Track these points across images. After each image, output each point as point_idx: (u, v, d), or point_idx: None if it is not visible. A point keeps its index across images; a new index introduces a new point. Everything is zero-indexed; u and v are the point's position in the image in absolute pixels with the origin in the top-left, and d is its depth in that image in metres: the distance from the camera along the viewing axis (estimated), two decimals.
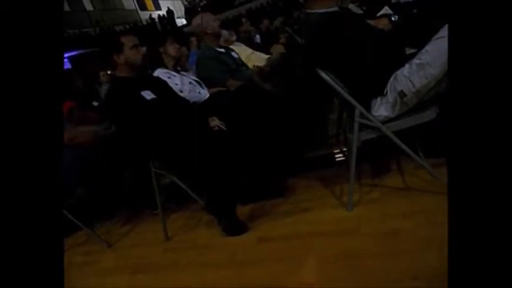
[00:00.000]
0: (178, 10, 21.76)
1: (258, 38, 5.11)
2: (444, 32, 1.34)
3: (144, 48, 1.94)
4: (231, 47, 2.95)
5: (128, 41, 1.87)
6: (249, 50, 3.23)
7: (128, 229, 2.28)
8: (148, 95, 1.90)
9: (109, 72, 2.99)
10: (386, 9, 2.87)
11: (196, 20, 2.55)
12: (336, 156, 2.26)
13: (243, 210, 1.90)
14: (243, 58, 2.88)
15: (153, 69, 2.26)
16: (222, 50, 2.57)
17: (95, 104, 3.21)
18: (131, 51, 1.87)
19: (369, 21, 1.61)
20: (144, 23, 18.70)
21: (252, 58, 3.10)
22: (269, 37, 4.87)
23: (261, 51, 3.41)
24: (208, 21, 2.50)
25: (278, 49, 3.62)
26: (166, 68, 2.33)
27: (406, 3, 2.68)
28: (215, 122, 1.88)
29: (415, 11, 2.42)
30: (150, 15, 20.21)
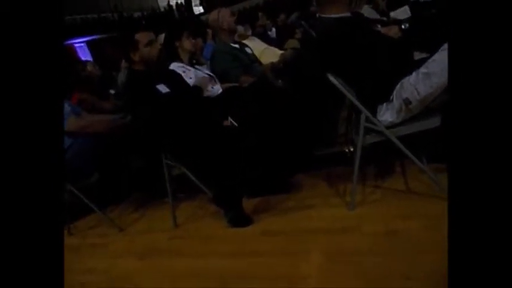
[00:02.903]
0: None
1: (273, 31, 5.12)
2: None
3: (159, 44, 1.99)
4: (246, 41, 2.99)
5: (142, 38, 1.92)
6: (263, 45, 3.26)
7: (139, 215, 2.38)
8: (163, 88, 1.97)
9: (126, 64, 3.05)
10: (406, 10, 2.87)
11: (213, 15, 2.60)
12: (345, 154, 2.30)
13: (248, 204, 1.97)
14: (257, 53, 2.92)
15: (169, 63, 2.33)
16: (237, 45, 2.62)
17: (112, 92, 3.30)
18: (146, 49, 1.92)
19: (380, 28, 1.64)
20: (162, 9, 18.73)
21: (266, 53, 3.13)
22: (285, 31, 4.88)
23: (275, 45, 3.43)
24: (224, 16, 2.55)
25: (293, 44, 3.65)
26: (182, 61, 2.40)
27: (425, 3, 2.68)
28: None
29: (433, 11, 2.42)
30: (168, 2, 20.22)
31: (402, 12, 2.82)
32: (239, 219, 1.87)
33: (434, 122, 1.47)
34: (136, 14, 15.51)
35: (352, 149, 2.26)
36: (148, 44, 1.92)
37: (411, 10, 2.79)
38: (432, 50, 1.46)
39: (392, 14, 2.82)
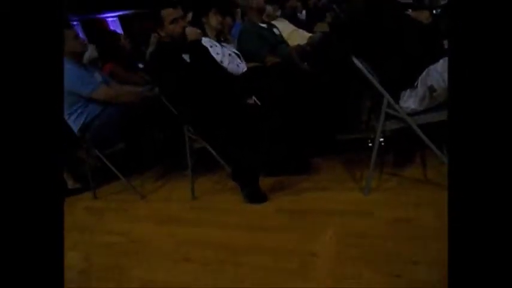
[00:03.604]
0: None
1: (303, 14, 5.04)
2: None
3: (185, 21, 2.01)
4: (274, 22, 2.97)
5: (167, 15, 1.92)
6: (292, 27, 3.23)
7: (160, 185, 2.48)
8: (188, 58, 2.01)
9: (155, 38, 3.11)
10: None
11: None
12: (366, 141, 2.30)
13: (265, 182, 2.01)
14: (285, 35, 2.90)
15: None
16: (264, 25, 2.62)
17: (140, 65, 3.38)
18: (170, 26, 1.93)
19: (411, 13, 1.61)
20: None
21: (294, 35, 3.10)
22: (315, 14, 4.79)
23: (305, 28, 3.39)
24: None
25: (322, 28, 3.59)
26: (209, 37, 2.42)
27: None
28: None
29: None
30: None
31: None
32: (255, 195, 1.92)
33: None
34: None
35: (373, 137, 2.25)
36: (173, 21, 1.93)
37: None
38: None
39: None
